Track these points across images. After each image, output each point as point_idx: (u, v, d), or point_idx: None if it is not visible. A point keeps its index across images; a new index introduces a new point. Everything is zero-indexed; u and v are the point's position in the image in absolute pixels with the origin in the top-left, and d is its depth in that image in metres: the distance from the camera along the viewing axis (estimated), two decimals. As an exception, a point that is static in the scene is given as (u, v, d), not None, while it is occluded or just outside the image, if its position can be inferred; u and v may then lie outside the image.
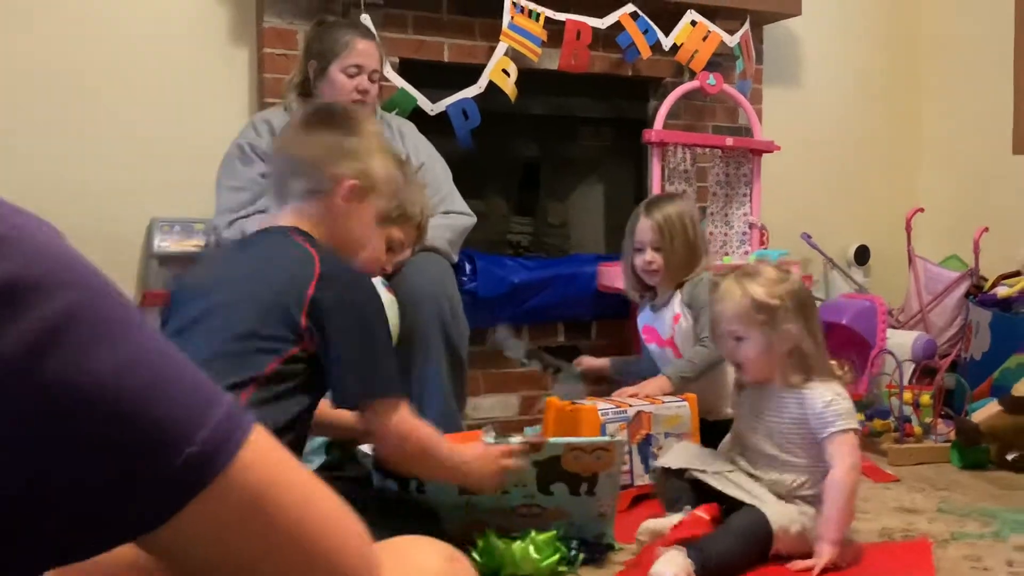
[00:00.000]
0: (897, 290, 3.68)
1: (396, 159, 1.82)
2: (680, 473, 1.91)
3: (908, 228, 3.52)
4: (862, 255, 3.93)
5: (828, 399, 1.81)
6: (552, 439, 1.80)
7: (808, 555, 1.76)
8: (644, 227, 2.49)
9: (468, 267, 2.78)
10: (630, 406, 2.22)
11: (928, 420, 2.76)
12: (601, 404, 2.21)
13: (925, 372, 3.16)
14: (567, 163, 3.71)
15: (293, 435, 1.49)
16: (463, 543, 1.73)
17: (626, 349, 3.08)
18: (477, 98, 3.02)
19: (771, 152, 3.13)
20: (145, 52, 2.85)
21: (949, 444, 2.65)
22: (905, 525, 2.08)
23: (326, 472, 1.79)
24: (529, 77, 3.12)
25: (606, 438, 1.82)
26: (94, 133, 2.79)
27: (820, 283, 3.73)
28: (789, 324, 1.82)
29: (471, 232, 2.66)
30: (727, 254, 3.06)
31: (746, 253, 3.07)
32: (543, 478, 1.79)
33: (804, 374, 1.84)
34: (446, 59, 3.09)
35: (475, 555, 1.74)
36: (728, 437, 1.99)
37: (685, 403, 2.28)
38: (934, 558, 1.85)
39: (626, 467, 2.17)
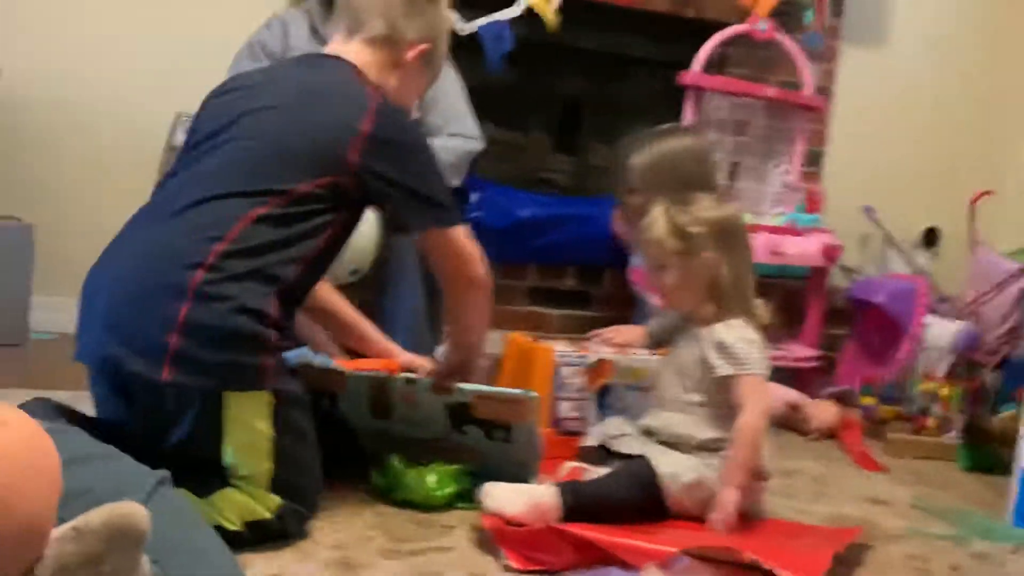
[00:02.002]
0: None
1: None
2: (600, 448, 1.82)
3: (972, 211, 3.24)
4: (931, 237, 3.65)
5: (736, 336, 1.70)
6: (460, 386, 1.72)
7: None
8: (630, 170, 2.34)
9: (474, 195, 2.69)
10: (592, 352, 2.11)
11: (946, 415, 2.56)
12: (560, 346, 2.11)
13: (969, 366, 2.94)
14: (615, 104, 3.55)
15: (303, 267, 1.51)
16: (376, 462, 1.71)
17: (635, 300, 2.96)
18: (522, 26, 2.90)
19: (814, 109, 2.90)
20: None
21: (960, 443, 2.46)
22: (862, 515, 1.92)
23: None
24: (581, 8, 2.98)
25: (517, 392, 1.72)
26: (125, 26, 2.81)
27: (875, 261, 3.49)
28: (708, 253, 1.72)
29: (499, 163, 2.59)
30: (758, 213, 2.88)
31: (780, 214, 2.88)
32: (455, 419, 1.73)
33: (719, 308, 1.73)
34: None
35: (374, 474, 1.70)
36: None
37: (654, 358, 2.16)
38: (876, 553, 1.69)
39: (577, 414, 2.08)
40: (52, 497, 0.64)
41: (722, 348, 1.70)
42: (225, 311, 1.38)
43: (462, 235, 1.64)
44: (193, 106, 2.62)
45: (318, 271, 1.60)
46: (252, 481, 1.40)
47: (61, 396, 1.53)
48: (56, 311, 2.40)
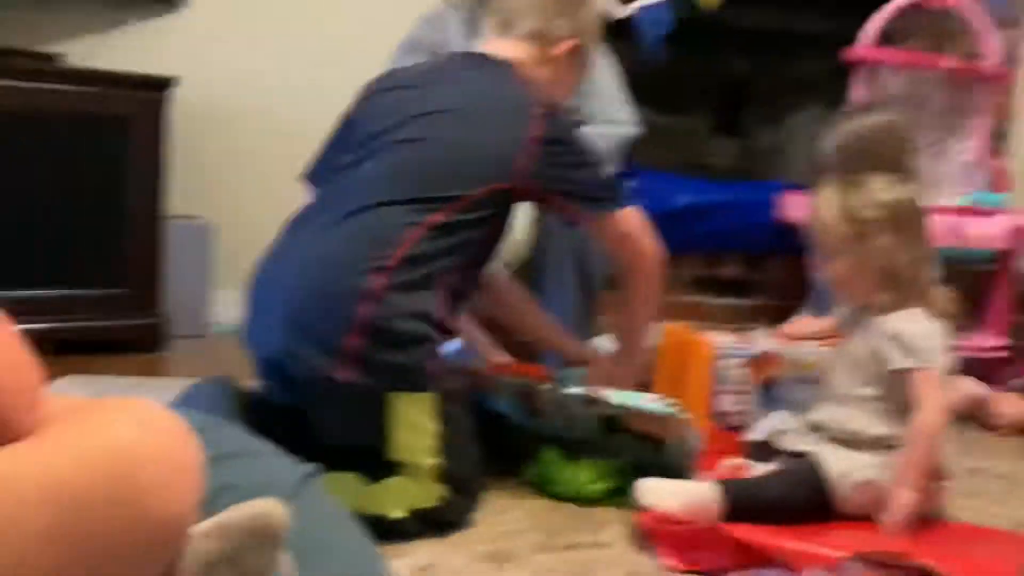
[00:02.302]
0: None
1: None
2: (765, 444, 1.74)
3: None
4: None
5: (913, 328, 1.58)
6: (611, 399, 1.68)
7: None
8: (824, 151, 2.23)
9: (631, 182, 2.63)
10: (755, 343, 2.03)
11: None
12: (722, 338, 2.04)
13: None
14: (782, 83, 3.41)
15: (469, 269, 1.58)
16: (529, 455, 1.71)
17: (803, 289, 2.83)
18: (682, 5, 2.83)
19: (999, 79, 2.69)
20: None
21: None
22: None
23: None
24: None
25: (669, 409, 1.66)
26: (292, 32, 2.91)
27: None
28: (883, 238, 1.60)
29: (661, 150, 2.52)
30: (940, 194, 2.69)
31: (963, 194, 2.69)
32: (608, 424, 1.71)
33: (895, 297, 1.61)
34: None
35: (528, 467, 1.69)
36: None
37: (824, 350, 2.05)
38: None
39: (740, 408, 2.00)
40: (191, 498, 0.66)
41: (898, 340, 1.59)
42: (401, 315, 1.44)
43: (630, 216, 1.70)
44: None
45: (480, 271, 1.67)
46: (420, 473, 1.44)
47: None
48: (235, 305, 2.52)
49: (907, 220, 1.64)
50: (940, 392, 1.57)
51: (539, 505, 1.62)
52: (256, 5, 2.88)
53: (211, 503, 0.69)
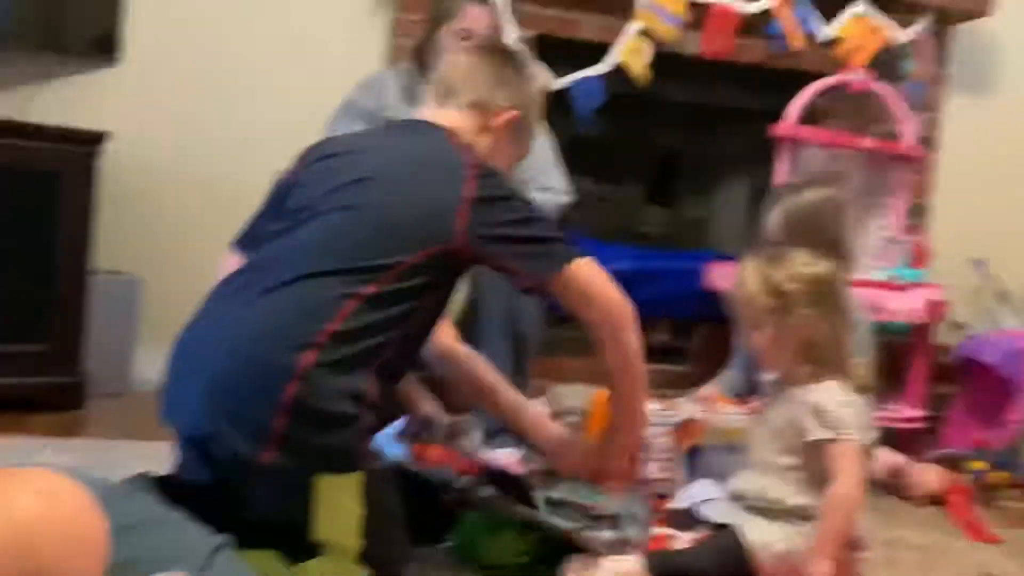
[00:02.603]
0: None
1: None
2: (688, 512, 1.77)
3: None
4: (1049, 291, 3.47)
5: (832, 399, 1.61)
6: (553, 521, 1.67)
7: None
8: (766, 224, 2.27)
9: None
10: (680, 410, 2.05)
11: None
12: (649, 404, 2.06)
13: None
14: (711, 156, 3.51)
15: (405, 344, 1.51)
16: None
17: (729, 356, 2.89)
18: (617, 81, 2.91)
19: (915, 159, 2.81)
20: (287, 8, 2.94)
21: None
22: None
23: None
24: (674, 62, 2.97)
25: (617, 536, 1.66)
26: (226, 90, 2.91)
27: (987, 317, 3.33)
28: (804, 311, 1.64)
29: (595, 218, 2.56)
30: (859, 268, 2.78)
31: (882, 269, 2.78)
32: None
33: (814, 370, 1.65)
34: (586, 37, 2.99)
35: (454, 535, 1.68)
36: None
37: (748, 418, 2.09)
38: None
39: (665, 475, 2.02)
40: (96, 569, 0.65)
41: (816, 411, 1.62)
42: (330, 396, 1.39)
43: (586, 269, 1.57)
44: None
45: (417, 346, 1.60)
46: (342, 554, 1.39)
47: (160, 447, 1.57)
48: (160, 363, 2.48)
49: (828, 294, 1.69)
50: (856, 464, 1.60)
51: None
52: (191, 63, 2.87)
53: (116, 575, 0.68)
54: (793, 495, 1.64)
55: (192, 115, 2.88)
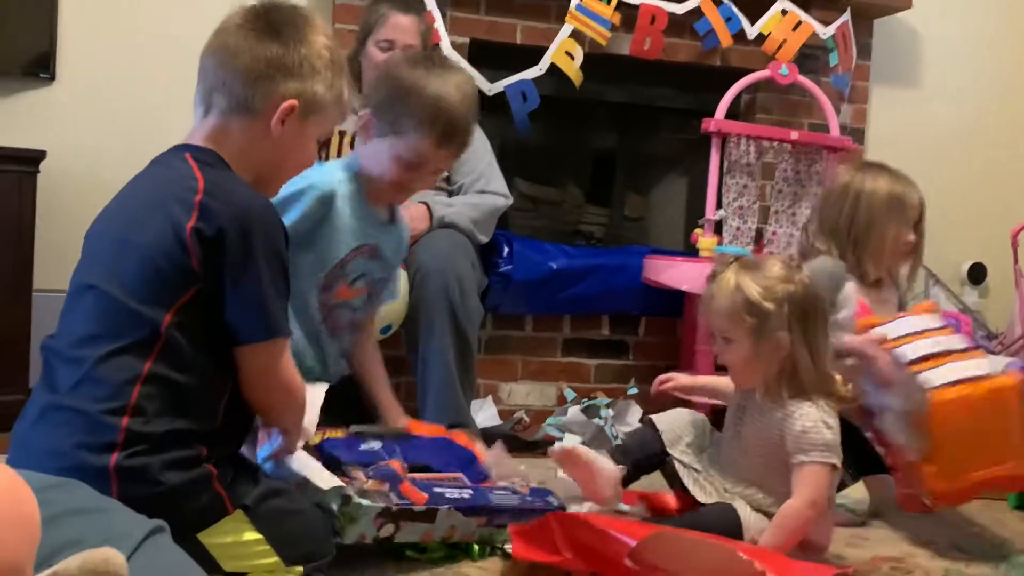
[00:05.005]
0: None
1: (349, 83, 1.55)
2: (657, 438, 1.81)
3: (1014, 245, 3.18)
4: (977, 274, 3.60)
5: (810, 424, 1.64)
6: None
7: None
8: None
9: (504, 250, 2.72)
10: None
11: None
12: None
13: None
14: (647, 155, 3.59)
15: (224, 401, 1.38)
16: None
17: (676, 350, 2.96)
18: (551, 83, 2.97)
19: (846, 150, 2.90)
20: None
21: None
22: (900, 555, 1.88)
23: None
24: (608, 63, 3.04)
25: None
26: (165, 100, 2.91)
27: (919, 301, 3.44)
28: (782, 332, 1.64)
29: (537, 219, 2.61)
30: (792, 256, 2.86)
31: (813, 257, 2.86)
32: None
33: (793, 389, 1.66)
34: (519, 41, 3.05)
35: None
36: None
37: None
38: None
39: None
40: (29, 546, 0.68)
41: (802, 434, 1.64)
42: (152, 480, 1.28)
43: (278, 351, 1.41)
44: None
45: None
46: (269, 568, 1.38)
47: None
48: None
49: (809, 312, 1.66)
50: (817, 485, 1.63)
51: (405, 565, 1.64)
52: (125, 80, 2.87)
53: (55, 558, 0.71)
54: (770, 506, 1.69)
55: (128, 131, 2.88)
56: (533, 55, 2.96)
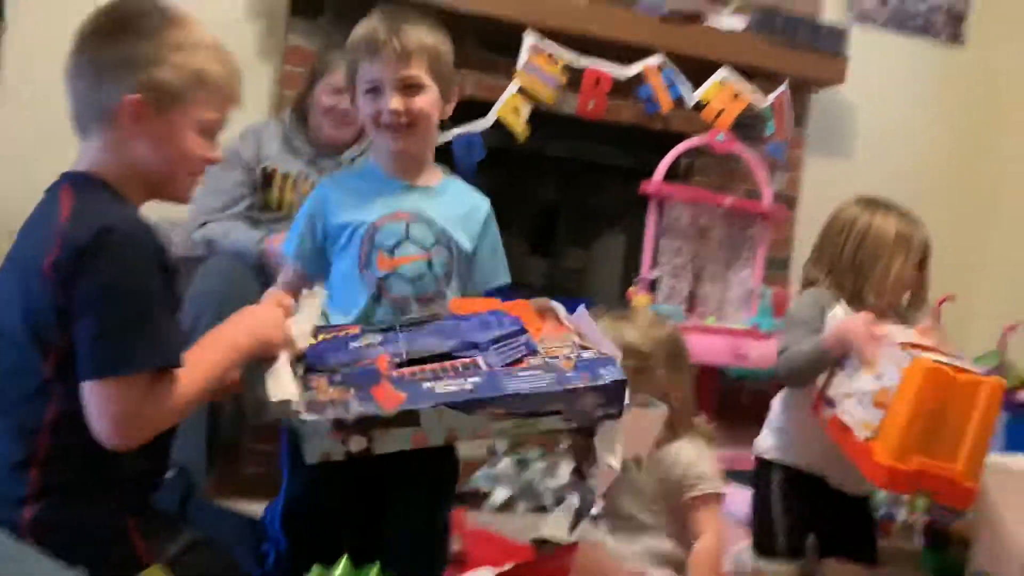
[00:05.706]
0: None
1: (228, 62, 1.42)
2: None
3: (937, 314, 3.30)
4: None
5: (690, 458, 1.72)
6: None
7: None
8: None
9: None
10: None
11: (911, 520, 2.56)
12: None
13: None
14: (590, 209, 3.66)
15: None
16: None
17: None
18: (498, 136, 3.01)
19: (776, 219, 3.00)
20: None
21: (924, 547, 2.46)
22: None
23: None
24: (555, 121, 3.10)
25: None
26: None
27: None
28: (659, 371, 1.73)
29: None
30: (722, 317, 2.94)
31: (743, 319, 2.94)
32: None
33: (669, 429, 1.74)
34: (468, 93, 3.10)
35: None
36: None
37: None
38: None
39: None
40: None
41: (686, 471, 1.71)
42: (72, 533, 1.25)
43: (158, 392, 1.26)
44: (175, 213, 2.58)
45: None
46: None
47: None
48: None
49: (679, 354, 1.78)
50: (715, 517, 1.71)
51: None
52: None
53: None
54: (672, 549, 1.73)
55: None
56: (482, 108, 3.01)
